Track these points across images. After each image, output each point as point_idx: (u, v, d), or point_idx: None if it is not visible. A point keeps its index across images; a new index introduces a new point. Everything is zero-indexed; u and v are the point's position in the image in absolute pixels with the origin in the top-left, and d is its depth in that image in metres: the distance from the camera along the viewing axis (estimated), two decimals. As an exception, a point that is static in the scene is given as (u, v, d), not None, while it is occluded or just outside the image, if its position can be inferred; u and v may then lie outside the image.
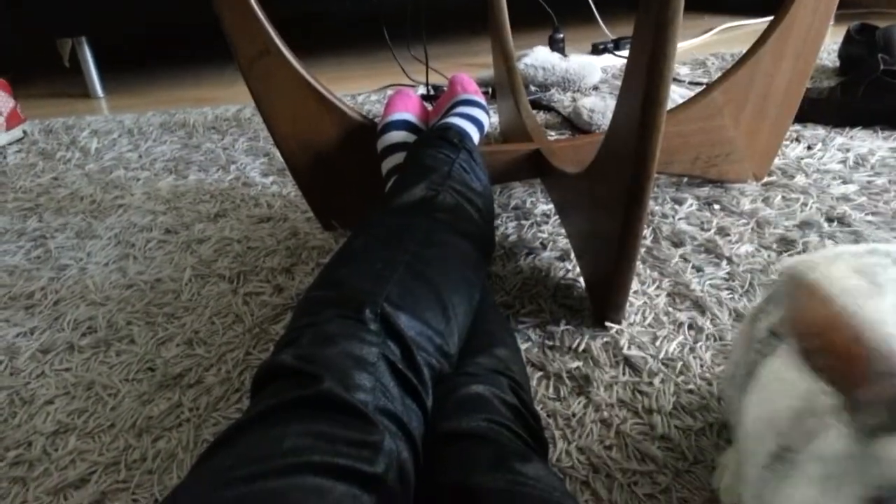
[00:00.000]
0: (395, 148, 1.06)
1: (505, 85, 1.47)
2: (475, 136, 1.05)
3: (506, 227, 1.17)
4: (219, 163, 1.56)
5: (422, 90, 1.83)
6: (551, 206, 1.22)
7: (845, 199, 1.17)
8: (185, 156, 1.62)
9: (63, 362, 0.93)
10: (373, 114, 1.72)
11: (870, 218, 1.10)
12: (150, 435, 0.79)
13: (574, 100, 1.74)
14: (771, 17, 1.11)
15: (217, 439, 0.49)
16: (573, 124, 1.59)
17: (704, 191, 1.23)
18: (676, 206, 1.19)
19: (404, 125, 1.09)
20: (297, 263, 1.11)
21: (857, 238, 1.04)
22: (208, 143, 1.68)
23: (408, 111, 1.12)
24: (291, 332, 0.60)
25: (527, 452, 0.57)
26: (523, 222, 1.18)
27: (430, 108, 1.22)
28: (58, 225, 1.33)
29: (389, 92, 1.90)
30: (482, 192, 0.91)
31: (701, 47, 2.18)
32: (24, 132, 1.85)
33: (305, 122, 1.08)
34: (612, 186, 0.82)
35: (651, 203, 1.20)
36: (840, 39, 1.83)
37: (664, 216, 1.16)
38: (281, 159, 1.31)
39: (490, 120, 1.15)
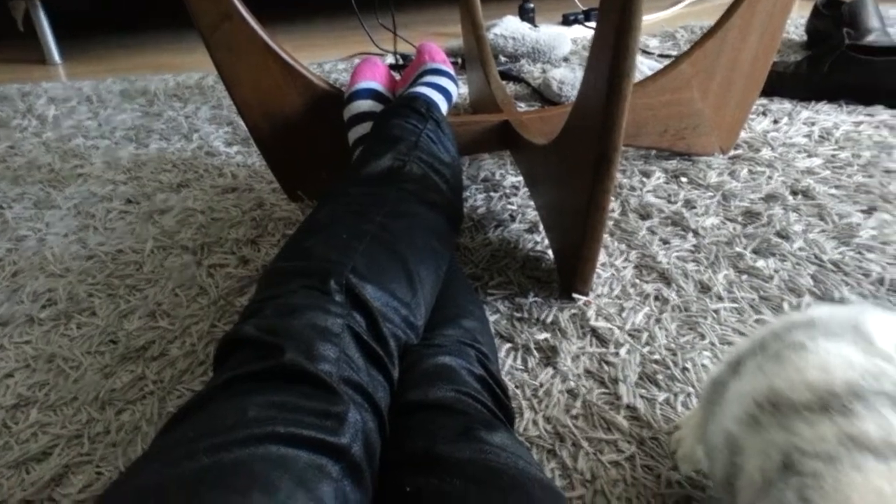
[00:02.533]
0: (361, 117, 1.04)
1: (474, 55, 1.45)
2: (443, 106, 1.04)
3: (475, 198, 1.17)
4: (181, 131, 1.52)
5: (390, 59, 1.80)
6: (520, 178, 1.22)
7: (810, 172, 1.18)
8: (145, 124, 1.58)
9: (23, 335, 0.91)
10: (339, 82, 1.69)
11: (833, 191, 1.12)
12: (113, 408, 0.78)
13: (544, 71, 1.73)
14: (740, -10, 1.11)
15: (179, 411, 0.48)
16: (543, 96, 1.58)
17: (672, 163, 1.23)
18: (644, 179, 1.19)
19: (371, 94, 1.07)
20: (263, 235, 1.09)
21: (821, 211, 1.06)
22: (170, 112, 1.64)
23: (375, 80, 1.10)
24: (255, 303, 0.59)
25: (493, 422, 0.57)
26: (492, 194, 1.18)
27: (397, 77, 1.20)
28: (15, 195, 1.29)
29: (356, 60, 1.87)
30: (450, 162, 0.90)
31: (671, 20, 2.18)
32: (-22, 98, 1.79)
33: (269, 90, 1.06)
34: (579, 158, 0.82)
35: (619, 176, 1.20)
36: (807, 14, 1.84)
37: (632, 189, 1.17)
38: (245, 128, 1.28)
39: (459, 90, 1.14)
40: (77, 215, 1.20)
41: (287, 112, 1.09)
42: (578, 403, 0.75)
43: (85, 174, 1.35)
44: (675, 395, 0.75)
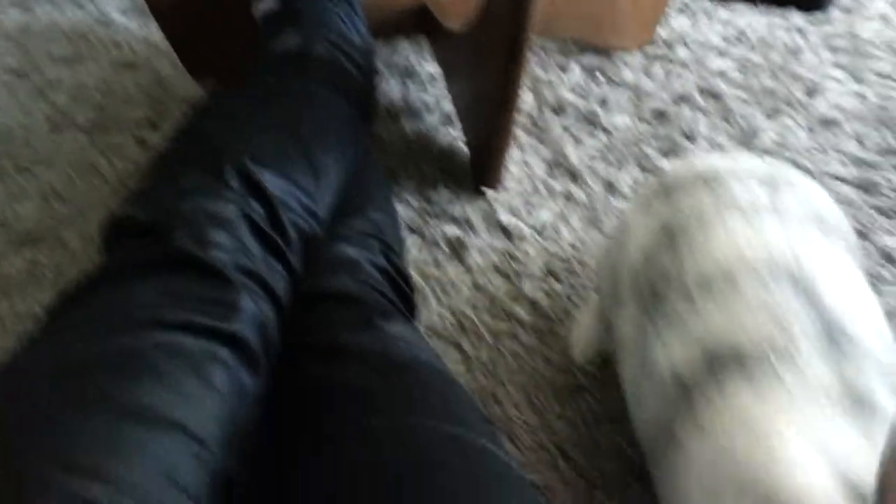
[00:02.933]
0: (270, -8, 0.98)
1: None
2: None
3: (390, 87, 1.13)
4: (73, -2, 1.39)
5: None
6: (439, 67, 1.19)
7: (721, 74, 1.20)
8: (32, -13, 1.43)
9: None
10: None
11: (741, 94, 1.14)
12: (7, 296, 0.75)
13: (468, -48, 1.65)
14: None
15: (64, 297, 0.47)
16: (466, -21, 1.52)
17: (589, 59, 1.22)
18: (561, 74, 1.18)
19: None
20: (164, 116, 1.03)
21: (727, 114, 1.09)
22: (60, -26, 1.49)
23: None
24: (144, 185, 0.56)
25: (392, 313, 0.58)
26: (409, 83, 1.15)
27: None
28: None
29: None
30: (361, 45, 0.86)
31: None
32: None
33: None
34: (492, 47, 0.80)
35: (537, 69, 1.19)
36: None
37: (549, 83, 1.16)
38: (144, -2, 1.18)
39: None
40: (-45, 87, 1.10)
41: (188, -19, 1.01)
42: (483, 296, 0.77)
43: (-38, 40, 1.22)
44: (575, 289, 0.78)
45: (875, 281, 0.80)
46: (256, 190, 0.58)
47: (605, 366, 0.70)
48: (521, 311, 0.76)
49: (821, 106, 1.11)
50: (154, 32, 1.26)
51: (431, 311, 0.75)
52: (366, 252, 0.66)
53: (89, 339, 0.42)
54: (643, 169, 0.97)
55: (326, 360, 0.53)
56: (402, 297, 0.65)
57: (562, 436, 0.65)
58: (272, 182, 0.60)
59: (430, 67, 1.18)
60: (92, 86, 1.10)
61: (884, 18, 1.36)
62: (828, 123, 1.07)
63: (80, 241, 0.82)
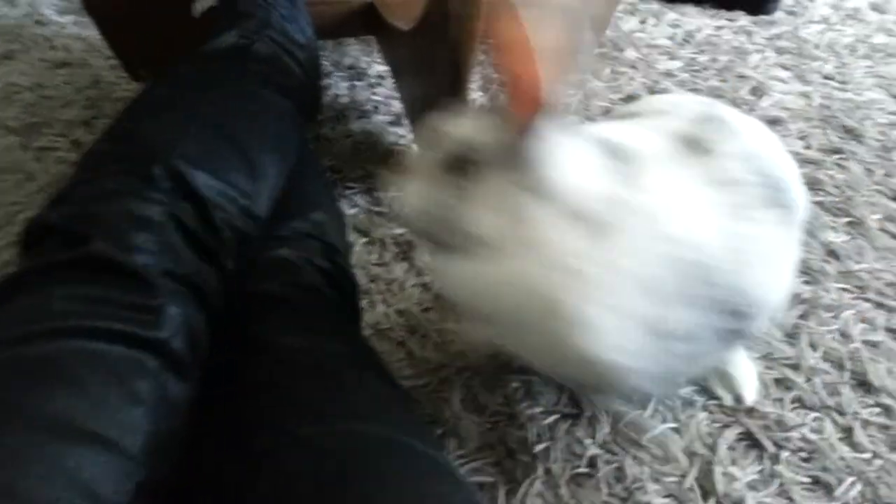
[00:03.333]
0: (209, -12, 0.95)
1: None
2: (300, -18, 0.96)
3: (337, 86, 1.11)
4: (6, -4, 1.34)
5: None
6: (387, 66, 1.17)
7: (669, 74, 1.21)
8: (-38, -15, 1.37)
9: None
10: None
11: (688, 94, 1.15)
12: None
13: (418, -46, 1.64)
14: None
15: None
16: (416, -19, 1.50)
17: (540, 59, 1.22)
18: (512, 74, 1.17)
19: (222, -37, 0.97)
20: (99, 116, 1.00)
21: (675, 113, 1.09)
22: (-7, -28, 1.44)
23: (226, -53, 1.00)
24: (66, 187, 0.53)
25: (326, 313, 0.57)
26: (356, 83, 1.12)
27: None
28: None
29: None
30: (305, 44, 0.84)
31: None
32: None
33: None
34: (439, 43, 0.78)
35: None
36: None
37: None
38: (81, -5, 1.14)
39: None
40: None
41: (126, -22, 0.97)
42: (431, 297, 0.75)
43: None
44: (524, 288, 0.77)
45: (819, 275, 0.80)
46: (187, 190, 0.55)
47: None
48: (470, 311, 0.74)
49: (766, 105, 1.12)
50: (90, 31, 1.22)
51: (377, 312, 0.73)
52: (304, 253, 0.64)
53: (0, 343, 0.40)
54: (593, 167, 0.96)
55: (258, 365, 0.51)
56: (344, 297, 0.63)
57: (509, 435, 0.64)
58: (204, 182, 0.57)
59: (378, 67, 1.17)
60: (23, 85, 1.05)
61: (826, 21, 1.39)
62: (773, 122, 1.08)
63: (6, 246, 0.77)
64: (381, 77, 1.14)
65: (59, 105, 1.02)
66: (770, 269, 0.52)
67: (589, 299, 0.44)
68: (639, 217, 0.45)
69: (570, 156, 0.46)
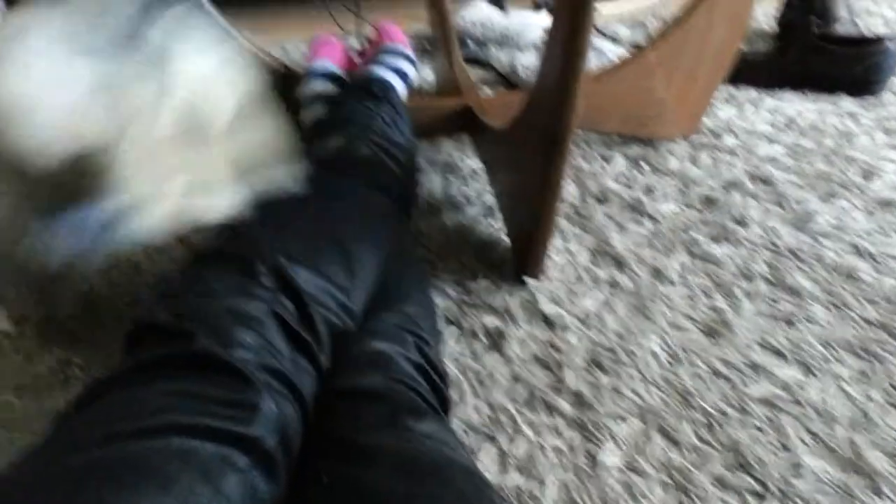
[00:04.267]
0: (316, 98, 1.02)
1: (440, 39, 1.43)
2: (400, 88, 1.01)
3: (432, 182, 1.15)
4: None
5: (354, 42, 1.77)
6: (480, 162, 1.20)
7: (771, 160, 1.17)
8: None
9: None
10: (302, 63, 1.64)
11: (793, 178, 1.11)
12: (34, 393, 0.75)
13: (512, 57, 1.71)
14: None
15: (76, 400, 0.45)
16: (510, 81, 1.56)
17: (633, 149, 1.22)
18: (605, 164, 1.17)
19: (326, 75, 1.04)
20: (212, 217, 1.07)
21: (780, 198, 1.05)
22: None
23: (331, 60, 1.07)
24: (173, 285, 0.56)
25: (422, 409, 0.55)
26: (450, 178, 1.16)
27: (356, 58, 1.17)
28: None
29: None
30: (404, 145, 0.87)
31: (643, 9, 2.16)
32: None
33: (220, 68, 1.03)
34: (534, 140, 0.80)
35: (580, 161, 1.18)
36: (780, 5, 1.83)
37: (592, 174, 1.15)
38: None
39: (418, 72, 1.12)
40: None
41: (241, 92, 1.06)
42: (522, 388, 0.74)
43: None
44: (621, 378, 0.74)
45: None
46: (288, 287, 0.57)
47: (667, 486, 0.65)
48: (564, 404, 0.71)
49: (878, 188, 1.06)
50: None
51: (467, 405, 0.72)
52: (399, 347, 0.64)
53: (92, 443, 0.41)
54: (692, 254, 0.93)
55: (350, 462, 0.50)
56: (436, 392, 0.62)
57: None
58: (306, 279, 0.59)
59: (471, 163, 1.20)
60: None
61: (941, 99, 1.32)
62: (887, 205, 1.02)
63: (114, 340, 0.82)
64: (473, 172, 1.17)
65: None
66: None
67: None
68: None
69: None
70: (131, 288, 0.91)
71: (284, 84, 1.05)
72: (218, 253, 0.61)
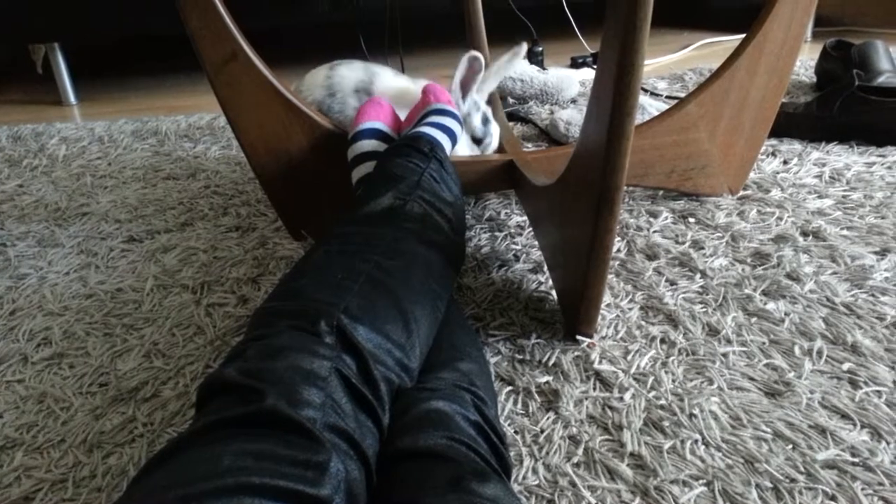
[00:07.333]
0: (364, 157, 1.04)
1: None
2: (447, 146, 1.03)
3: (479, 238, 1.15)
4: (189, 171, 1.52)
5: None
6: (525, 217, 1.21)
7: (821, 213, 1.16)
8: (154, 164, 1.59)
9: (15, 374, 0.90)
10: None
11: (845, 232, 1.09)
12: (101, 451, 0.76)
13: (552, 112, 1.73)
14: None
15: (153, 458, 0.46)
16: (550, 136, 1.57)
17: (679, 204, 1.21)
18: (651, 219, 1.17)
19: (375, 134, 1.07)
20: (264, 274, 1.08)
21: (832, 253, 1.03)
22: (179, 151, 1.65)
23: (379, 120, 1.10)
24: (240, 344, 0.57)
25: (485, 472, 0.55)
26: (497, 234, 1.16)
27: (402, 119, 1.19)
28: (19, 233, 1.29)
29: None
30: (453, 202, 0.89)
31: (679, 62, 2.18)
32: (-8, 138, 1.81)
33: (273, 129, 1.06)
34: (582, 197, 0.80)
35: (626, 216, 1.18)
36: (817, 56, 1.84)
37: (639, 229, 1.15)
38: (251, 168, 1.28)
39: (463, 130, 1.13)
40: (80, 253, 1.19)
41: (292, 152, 1.09)
42: (580, 450, 0.72)
43: (90, 212, 1.35)
44: (683, 441, 0.72)
45: None
46: (350, 345, 0.58)
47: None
48: (625, 468, 0.70)
49: (936, 241, 1.04)
50: (258, 198, 1.35)
51: (525, 467, 0.71)
52: (457, 405, 0.63)
53: (168, 503, 0.41)
54: (746, 311, 0.92)
55: None
56: (496, 453, 0.61)
57: None
58: (365, 337, 0.60)
59: (517, 219, 1.20)
60: (199, 248, 1.17)
61: None
62: (946, 259, 0.99)
63: (175, 397, 0.83)
64: (520, 227, 1.18)
65: (229, 264, 1.12)
66: None
67: None
68: None
69: None
70: (192, 347, 0.92)
71: (334, 143, 1.07)
72: (280, 311, 0.61)
